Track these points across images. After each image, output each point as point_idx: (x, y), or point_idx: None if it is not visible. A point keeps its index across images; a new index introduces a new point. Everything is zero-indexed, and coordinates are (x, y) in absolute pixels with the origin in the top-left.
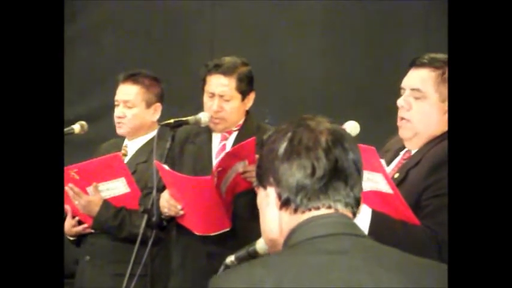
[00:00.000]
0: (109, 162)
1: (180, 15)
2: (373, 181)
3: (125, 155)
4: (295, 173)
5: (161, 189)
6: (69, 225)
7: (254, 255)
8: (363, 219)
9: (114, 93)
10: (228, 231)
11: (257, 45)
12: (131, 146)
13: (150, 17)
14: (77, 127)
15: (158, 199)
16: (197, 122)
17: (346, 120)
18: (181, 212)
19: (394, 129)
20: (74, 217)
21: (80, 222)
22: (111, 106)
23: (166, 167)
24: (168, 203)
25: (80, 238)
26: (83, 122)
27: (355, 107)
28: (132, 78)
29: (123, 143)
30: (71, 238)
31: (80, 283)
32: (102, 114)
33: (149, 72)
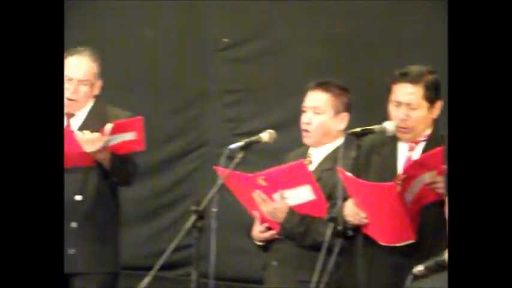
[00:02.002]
0: (294, 169)
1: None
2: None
3: (310, 162)
4: None
5: (346, 198)
6: (257, 231)
7: (443, 265)
8: None
9: (302, 102)
10: (413, 242)
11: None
12: (316, 154)
13: (336, 27)
14: (265, 135)
15: (343, 207)
16: (383, 131)
17: None
18: (365, 221)
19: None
20: (262, 223)
21: (268, 228)
22: (299, 116)
23: (349, 174)
24: (351, 211)
25: (268, 244)
26: (271, 131)
27: None
28: (323, 86)
29: (308, 151)
30: (259, 243)
31: None
32: (290, 123)
33: (338, 81)
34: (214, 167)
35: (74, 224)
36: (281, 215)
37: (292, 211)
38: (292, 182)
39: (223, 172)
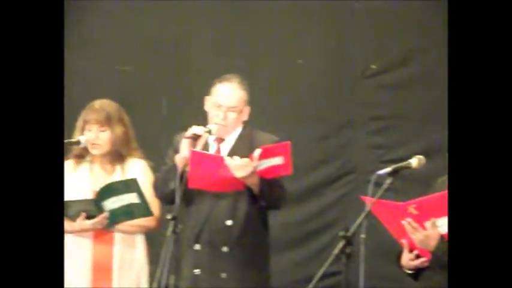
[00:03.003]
0: (445, 198)
1: None
2: None
3: None
4: None
5: None
6: (407, 259)
7: None
8: None
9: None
10: None
11: None
12: None
13: None
14: (414, 161)
15: None
16: None
17: None
18: None
19: None
20: (411, 251)
21: (417, 256)
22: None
23: None
24: None
25: (418, 271)
26: (421, 157)
27: None
28: None
29: None
30: (409, 271)
31: None
32: (436, 150)
33: None
34: (361, 197)
35: (225, 249)
36: (433, 243)
37: (443, 239)
38: (445, 210)
39: (370, 200)
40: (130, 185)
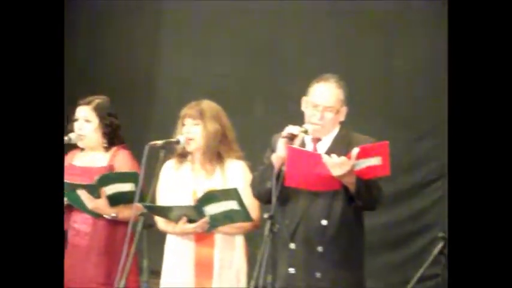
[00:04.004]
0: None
1: None
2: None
3: None
4: None
5: None
6: None
7: None
8: None
9: None
10: None
11: None
12: None
13: None
14: None
15: None
16: None
17: None
18: None
19: None
20: None
21: None
22: None
23: None
24: None
25: None
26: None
27: None
28: None
29: None
30: None
31: None
32: None
33: None
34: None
35: (320, 248)
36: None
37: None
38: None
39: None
40: (230, 194)
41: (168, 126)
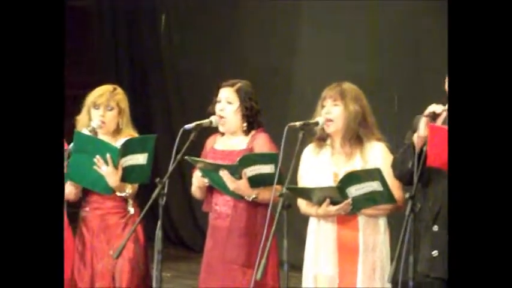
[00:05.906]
0: None
1: None
2: None
3: None
4: None
5: None
6: None
7: None
8: None
9: None
10: None
11: None
12: None
13: None
14: None
15: None
16: None
17: None
18: None
19: None
20: None
21: None
22: None
23: None
24: None
25: None
26: None
27: None
28: None
29: None
30: None
31: None
32: None
33: None
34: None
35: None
36: None
37: None
38: None
39: None
40: (373, 174)
41: (305, 118)
